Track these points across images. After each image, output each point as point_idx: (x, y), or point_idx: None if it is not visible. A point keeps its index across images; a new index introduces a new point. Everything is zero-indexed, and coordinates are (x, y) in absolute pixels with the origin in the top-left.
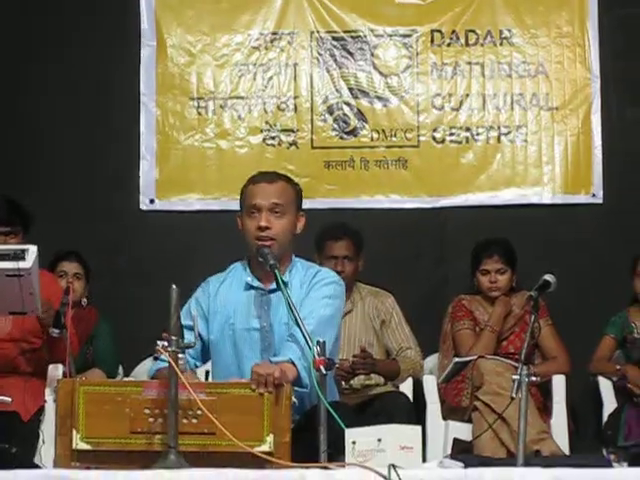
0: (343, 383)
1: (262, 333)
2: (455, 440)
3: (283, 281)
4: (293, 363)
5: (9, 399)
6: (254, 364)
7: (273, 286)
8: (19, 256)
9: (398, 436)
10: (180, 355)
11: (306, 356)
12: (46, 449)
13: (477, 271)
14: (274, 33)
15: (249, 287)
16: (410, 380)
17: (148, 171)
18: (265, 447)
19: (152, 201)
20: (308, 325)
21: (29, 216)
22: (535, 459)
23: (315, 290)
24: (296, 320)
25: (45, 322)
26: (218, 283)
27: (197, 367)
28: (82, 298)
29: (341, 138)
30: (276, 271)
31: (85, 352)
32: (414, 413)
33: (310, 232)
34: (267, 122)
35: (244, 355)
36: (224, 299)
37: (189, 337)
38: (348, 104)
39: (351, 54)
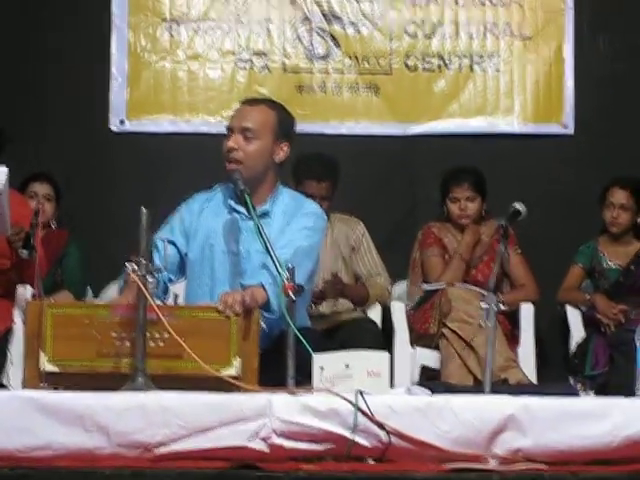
0: (312, 307)
1: (240, 258)
2: (423, 367)
3: (253, 207)
4: (264, 288)
5: None
6: (223, 292)
7: (257, 211)
8: None
9: (366, 362)
10: (150, 279)
11: (277, 284)
12: (14, 370)
13: (447, 198)
14: None
15: (232, 210)
16: (378, 307)
17: (119, 92)
18: (232, 371)
19: (122, 122)
20: (285, 254)
21: (5, 137)
22: (502, 387)
23: (296, 221)
24: (266, 247)
25: (15, 244)
26: (203, 201)
27: (172, 281)
28: (52, 220)
29: (313, 63)
30: (246, 196)
31: (54, 274)
32: (382, 339)
33: None
34: (239, 45)
35: (218, 278)
36: (207, 219)
37: (169, 252)
38: (321, 29)
39: None
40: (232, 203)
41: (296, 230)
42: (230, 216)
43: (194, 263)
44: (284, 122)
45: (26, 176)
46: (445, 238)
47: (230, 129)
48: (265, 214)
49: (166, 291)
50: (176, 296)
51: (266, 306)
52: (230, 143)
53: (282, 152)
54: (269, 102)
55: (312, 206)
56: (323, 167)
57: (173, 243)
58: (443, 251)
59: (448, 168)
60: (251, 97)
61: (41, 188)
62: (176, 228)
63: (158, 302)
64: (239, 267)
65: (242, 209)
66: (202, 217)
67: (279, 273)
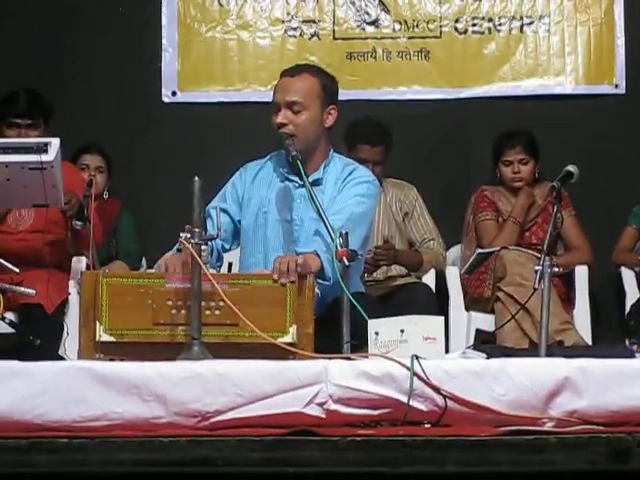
0: (366, 275)
1: (293, 226)
2: (478, 331)
3: (305, 172)
4: (318, 255)
5: (33, 291)
6: (277, 257)
7: (309, 179)
8: (42, 149)
9: (421, 327)
10: (203, 247)
11: (331, 251)
12: (70, 341)
13: (500, 162)
14: None
15: (285, 178)
16: (433, 271)
17: (170, 63)
18: (288, 338)
19: (174, 93)
20: (338, 220)
21: (50, 108)
22: (558, 349)
23: (349, 187)
24: (319, 213)
25: (68, 214)
26: (256, 170)
27: (225, 249)
28: (104, 191)
29: (363, 29)
30: (298, 162)
31: (108, 244)
32: (437, 304)
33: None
34: (289, 13)
35: (271, 246)
36: (260, 187)
37: (222, 220)
38: None
39: None
40: (284, 171)
41: (349, 197)
42: (283, 184)
43: (247, 231)
44: (328, 86)
45: (78, 147)
46: (499, 201)
47: (276, 104)
48: (317, 182)
49: (219, 259)
50: (230, 264)
51: (320, 273)
52: (279, 119)
53: (331, 116)
54: (309, 69)
55: (364, 173)
56: (376, 132)
57: (226, 211)
58: (497, 214)
59: (500, 132)
60: (290, 67)
61: (92, 160)
62: (229, 197)
63: (212, 270)
64: (292, 235)
65: (294, 177)
66: (255, 185)
67: (332, 239)
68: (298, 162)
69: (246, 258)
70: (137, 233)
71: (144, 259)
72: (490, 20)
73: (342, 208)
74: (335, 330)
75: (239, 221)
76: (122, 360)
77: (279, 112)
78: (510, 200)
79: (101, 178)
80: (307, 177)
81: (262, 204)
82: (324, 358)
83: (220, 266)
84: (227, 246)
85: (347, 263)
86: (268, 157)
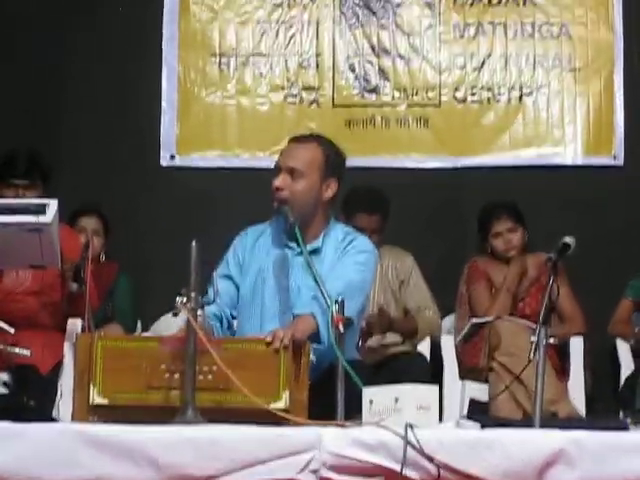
0: (360, 343)
1: (290, 293)
2: (472, 400)
3: (303, 239)
4: (314, 317)
5: (28, 352)
6: (273, 329)
7: (308, 248)
8: (39, 210)
9: (415, 396)
10: (199, 312)
11: (327, 315)
12: (64, 403)
13: (489, 236)
14: None
15: (284, 245)
16: (428, 340)
17: (169, 127)
18: (281, 404)
19: (172, 157)
20: (336, 287)
21: (48, 169)
22: (552, 421)
23: (349, 256)
24: (315, 279)
25: (65, 276)
26: (256, 235)
27: (234, 318)
28: (101, 253)
29: (362, 97)
30: (296, 229)
31: (104, 307)
32: (431, 373)
33: None
34: (288, 80)
35: (268, 313)
36: (259, 253)
37: (225, 286)
38: (370, 62)
39: (374, 13)
40: (284, 238)
41: (348, 265)
42: (282, 251)
43: (245, 297)
44: (332, 159)
45: (75, 209)
46: (491, 272)
47: (277, 167)
48: (317, 251)
49: (230, 327)
50: None
51: (315, 336)
52: (277, 182)
53: (330, 190)
54: (318, 139)
55: (365, 242)
56: (373, 200)
57: (231, 278)
58: (490, 285)
59: (484, 206)
60: (301, 134)
61: (90, 222)
62: (232, 262)
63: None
64: (289, 303)
65: (293, 244)
66: (255, 251)
67: (327, 305)
68: (296, 229)
69: (243, 325)
70: (133, 296)
71: (139, 322)
72: (489, 89)
73: (341, 275)
74: (329, 397)
75: (239, 287)
76: (115, 423)
77: (279, 175)
78: (502, 271)
79: (98, 241)
80: (304, 243)
81: (261, 270)
82: (318, 425)
83: (232, 334)
84: (235, 314)
85: (342, 330)
86: (269, 222)
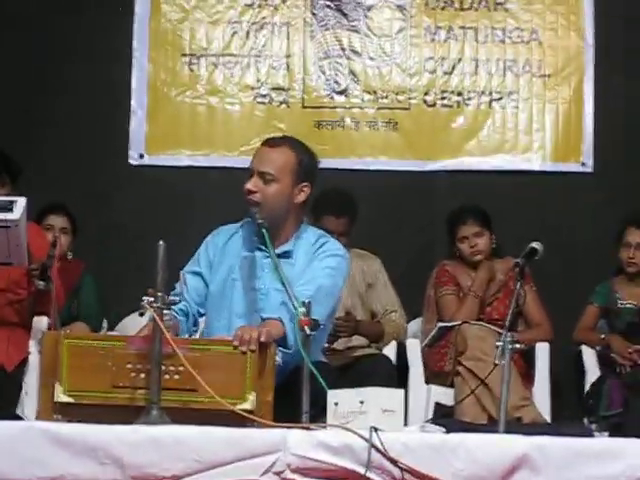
0: (326, 345)
1: (258, 295)
2: (437, 404)
3: (271, 241)
4: (282, 322)
5: None
6: (239, 326)
7: (277, 251)
8: (7, 207)
9: (380, 399)
10: (165, 311)
11: (295, 320)
12: (28, 401)
13: (456, 240)
14: None
15: (255, 247)
16: (394, 343)
17: (138, 126)
18: (247, 405)
19: (142, 156)
20: (306, 291)
21: (17, 168)
22: (516, 426)
23: (319, 260)
24: (283, 283)
25: (32, 274)
26: (228, 235)
27: (201, 315)
28: (68, 252)
29: (332, 98)
30: (264, 231)
31: (70, 305)
32: (396, 376)
33: None
34: (258, 80)
35: (236, 313)
36: (230, 253)
37: (194, 283)
38: (340, 64)
39: (345, 15)
40: (255, 240)
41: (318, 269)
42: (252, 253)
43: (214, 296)
44: (305, 163)
45: (43, 207)
46: (459, 276)
47: (250, 170)
48: (287, 254)
49: (196, 324)
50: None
51: (283, 341)
52: (248, 185)
53: (302, 193)
54: (291, 142)
55: (336, 246)
56: (341, 203)
57: (200, 275)
58: (457, 289)
59: (452, 210)
60: (273, 137)
61: (57, 221)
62: (202, 260)
63: (186, 335)
64: (257, 304)
65: (264, 246)
66: (226, 251)
67: (294, 307)
68: (264, 230)
69: (211, 323)
70: (99, 295)
71: (105, 321)
72: (459, 94)
73: (311, 279)
74: (294, 399)
75: (209, 285)
76: (80, 422)
77: (251, 178)
78: (470, 275)
79: (65, 239)
80: (273, 247)
81: (231, 271)
82: (283, 427)
83: (196, 331)
84: (202, 310)
85: (309, 332)
86: (241, 223)
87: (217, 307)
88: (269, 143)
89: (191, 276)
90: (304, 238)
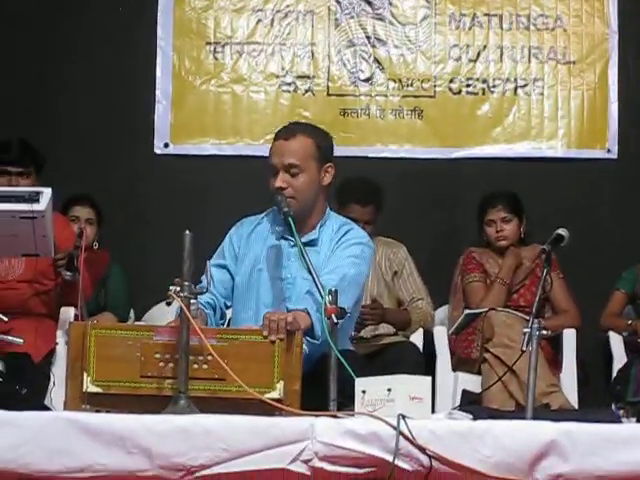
0: (353, 333)
1: (285, 284)
2: (464, 391)
3: (297, 231)
4: (308, 313)
5: (21, 340)
6: (266, 312)
7: (302, 240)
8: (33, 198)
9: (408, 386)
10: (192, 300)
11: (321, 311)
12: (56, 391)
13: (484, 223)
14: None
15: (280, 237)
16: (421, 331)
17: (163, 115)
18: (275, 394)
19: (166, 145)
20: (331, 280)
21: (42, 158)
22: (544, 412)
23: (343, 248)
24: (309, 271)
25: (58, 266)
26: (252, 225)
27: (228, 307)
28: (94, 242)
29: (357, 86)
30: (290, 219)
31: (97, 295)
32: (424, 364)
33: None
34: (283, 68)
35: (263, 303)
36: (255, 243)
37: (220, 276)
38: (365, 52)
39: (369, 3)
40: (280, 229)
41: (343, 257)
42: (278, 242)
43: (240, 287)
44: (323, 145)
45: (68, 198)
46: (486, 263)
47: (274, 167)
48: (313, 242)
49: (223, 316)
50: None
51: (310, 332)
52: (278, 183)
53: (328, 174)
54: (303, 129)
55: (360, 234)
56: (367, 192)
57: (226, 267)
58: (484, 276)
59: (484, 195)
60: (283, 128)
61: (83, 211)
62: (227, 252)
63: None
64: (284, 293)
65: (289, 235)
66: (250, 241)
67: (321, 296)
68: (290, 219)
69: (238, 314)
70: (126, 284)
71: (132, 311)
72: (484, 81)
73: (336, 268)
74: (322, 387)
75: (235, 277)
76: (108, 412)
77: (277, 175)
78: (497, 262)
79: (91, 230)
80: (299, 236)
81: (257, 261)
82: (310, 415)
83: (223, 324)
84: (229, 303)
85: (336, 320)
86: (266, 213)
87: (244, 298)
88: (283, 136)
89: (216, 269)
90: (328, 225)
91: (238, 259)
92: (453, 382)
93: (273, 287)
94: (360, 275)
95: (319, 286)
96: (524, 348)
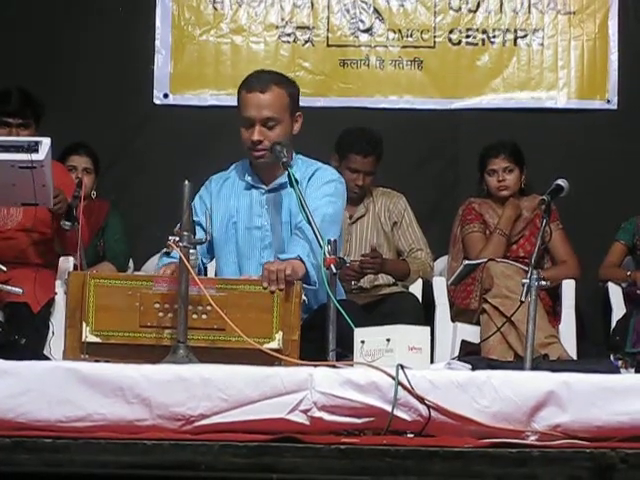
0: (353, 283)
1: (263, 232)
2: (463, 342)
3: (296, 179)
4: (301, 260)
5: (20, 290)
6: (265, 262)
7: (272, 185)
8: (32, 148)
9: (407, 336)
10: (191, 251)
11: (314, 253)
12: (55, 341)
13: (485, 173)
14: None
15: (250, 186)
16: (420, 281)
17: (162, 66)
18: (274, 344)
19: (166, 95)
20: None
21: (41, 107)
22: (543, 363)
23: (316, 189)
24: (307, 218)
25: (58, 213)
26: (221, 181)
27: (205, 264)
28: (92, 191)
29: (357, 37)
30: (289, 170)
31: (96, 245)
32: (423, 314)
33: (324, 130)
34: (283, 19)
35: (244, 254)
36: (227, 198)
37: (197, 234)
38: (365, 2)
39: None
40: (249, 179)
41: (319, 198)
42: (249, 192)
43: (219, 242)
44: (293, 95)
45: (66, 147)
46: (486, 214)
47: (248, 119)
48: (283, 185)
49: (201, 272)
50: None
51: (305, 278)
52: (256, 136)
53: (297, 123)
54: (277, 79)
55: (329, 172)
56: (368, 142)
57: (200, 224)
58: (484, 227)
59: (486, 144)
60: (254, 79)
61: (80, 161)
62: (199, 210)
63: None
64: (264, 241)
65: (260, 184)
66: (221, 196)
67: (320, 245)
68: (289, 170)
69: (221, 269)
70: (125, 234)
71: (131, 260)
72: (484, 32)
73: (315, 209)
74: (320, 337)
75: (211, 233)
76: (107, 361)
77: (251, 128)
78: (497, 212)
79: (89, 179)
80: (268, 185)
81: (230, 214)
82: (309, 365)
83: None
84: (205, 260)
85: (335, 270)
86: (232, 167)
87: (223, 252)
88: (257, 88)
89: (205, 217)
90: (296, 167)
91: (212, 216)
92: (452, 332)
93: (251, 237)
94: (338, 213)
95: (317, 234)
96: (523, 299)
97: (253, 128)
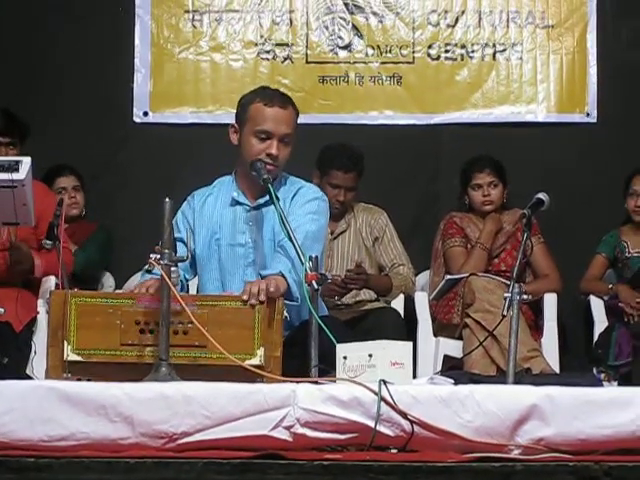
0: (336, 298)
1: (247, 249)
2: (446, 357)
3: (277, 196)
4: (283, 276)
5: (2, 310)
6: (247, 281)
7: (258, 202)
8: (13, 167)
9: (389, 352)
10: (172, 268)
11: (296, 269)
12: (38, 360)
13: (468, 187)
14: None
15: (235, 202)
16: (401, 296)
17: (142, 84)
18: (256, 361)
19: (146, 114)
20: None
21: (26, 127)
22: (525, 377)
23: (299, 206)
24: (289, 234)
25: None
26: (204, 197)
27: (187, 280)
28: (82, 209)
29: (336, 53)
30: (269, 186)
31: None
32: (405, 329)
33: (305, 147)
34: (262, 36)
35: (227, 271)
36: (210, 214)
37: (179, 250)
38: (343, 19)
39: None
40: (234, 195)
41: (302, 215)
42: (233, 208)
43: (201, 259)
44: (297, 116)
45: (49, 167)
46: (467, 228)
47: (265, 132)
48: (268, 203)
49: (183, 289)
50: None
51: (287, 294)
52: (274, 151)
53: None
54: (289, 99)
55: (312, 190)
56: (349, 158)
57: (182, 241)
58: (465, 241)
59: (467, 159)
60: (275, 95)
61: (68, 181)
62: (181, 226)
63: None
64: (247, 259)
65: (244, 200)
66: (204, 212)
67: (301, 262)
68: (269, 186)
69: (204, 286)
70: (105, 246)
71: (112, 278)
72: (463, 47)
73: (297, 226)
74: (302, 353)
75: (194, 250)
76: (89, 380)
77: (267, 141)
78: (479, 226)
79: (80, 196)
80: (253, 201)
81: (213, 230)
82: (292, 382)
83: None
84: (188, 276)
85: (316, 286)
86: (215, 183)
87: (207, 269)
88: (279, 103)
89: (186, 234)
90: (280, 185)
91: (195, 232)
92: (434, 347)
93: (234, 254)
94: (320, 230)
95: (298, 250)
96: (505, 313)
97: (269, 141)
